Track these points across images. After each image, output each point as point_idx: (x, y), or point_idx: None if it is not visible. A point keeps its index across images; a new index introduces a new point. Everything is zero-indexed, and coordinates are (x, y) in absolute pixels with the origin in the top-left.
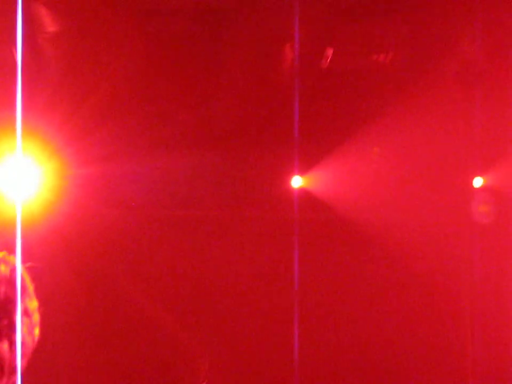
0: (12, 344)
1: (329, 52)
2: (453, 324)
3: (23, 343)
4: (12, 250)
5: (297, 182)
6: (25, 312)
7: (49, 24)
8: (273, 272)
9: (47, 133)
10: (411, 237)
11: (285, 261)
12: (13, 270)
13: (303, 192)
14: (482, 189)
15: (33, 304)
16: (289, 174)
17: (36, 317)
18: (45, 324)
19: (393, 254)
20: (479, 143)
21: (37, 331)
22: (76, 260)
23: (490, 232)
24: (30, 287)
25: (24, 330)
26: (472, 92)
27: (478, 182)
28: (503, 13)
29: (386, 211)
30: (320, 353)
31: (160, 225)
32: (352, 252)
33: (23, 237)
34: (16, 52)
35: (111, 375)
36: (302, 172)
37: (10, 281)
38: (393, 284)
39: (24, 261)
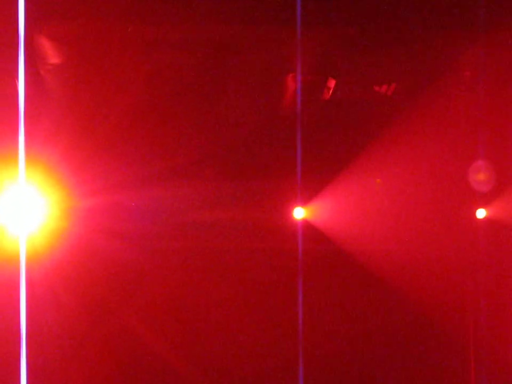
0: None
1: (332, 83)
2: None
3: None
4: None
5: (299, 213)
6: None
7: (52, 56)
8: (276, 304)
9: (50, 163)
10: (414, 268)
11: (288, 292)
12: None
13: (306, 223)
14: (485, 220)
15: None
16: (292, 205)
17: None
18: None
19: (395, 286)
20: (483, 175)
21: None
22: (78, 290)
23: (494, 265)
24: None
25: None
26: (475, 121)
27: (481, 213)
28: (504, 42)
29: (389, 243)
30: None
31: (162, 256)
32: (355, 283)
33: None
34: (18, 83)
35: None
36: (304, 203)
37: None
38: (395, 314)
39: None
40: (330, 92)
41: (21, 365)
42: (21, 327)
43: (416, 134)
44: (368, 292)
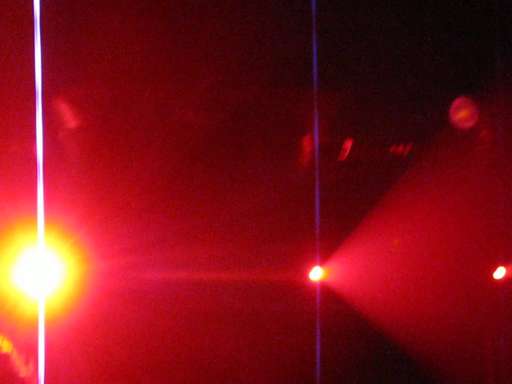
0: None
1: (348, 143)
2: None
3: None
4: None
5: (317, 273)
6: None
7: (70, 120)
8: (294, 367)
9: (68, 227)
10: (431, 330)
11: (305, 355)
12: None
13: (324, 284)
14: (504, 280)
15: None
16: (310, 266)
17: None
18: None
19: (412, 348)
20: (500, 233)
21: None
22: (95, 354)
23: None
24: None
25: None
26: (492, 180)
27: (499, 273)
28: None
29: (406, 304)
30: None
31: (178, 318)
32: (372, 344)
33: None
34: (36, 147)
35: None
36: (322, 263)
37: None
38: (411, 376)
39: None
40: (347, 152)
41: None
42: None
43: (433, 193)
44: (385, 354)
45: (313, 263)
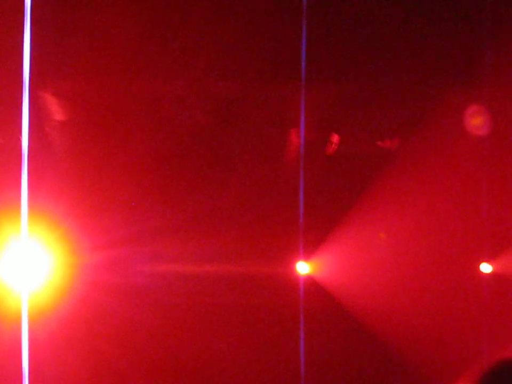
0: None
1: (335, 138)
2: None
3: None
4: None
5: (303, 268)
6: None
7: (57, 112)
8: (278, 360)
9: (53, 219)
10: (416, 324)
11: (289, 348)
12: None
13: (309, 278)
14: (490, 274)
15: None
16: (295, 260)
17: None
18: None
19: (397, 341)
20: (487, 228)
21: None
22: (81, 347)
23: (498, 321)
24: None
25: None
26: (480, 174)
27: (485, 268)
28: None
29: (392, 298)
30: None
31: (164, 311)
32: (357, 339)
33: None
34: (22, 138)
35: None
36: (307, 257)
37: None
38: (396, 370)
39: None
40: (333, 147)
41: None
42: None
43: (420, 188)
44: (370, 348)
45: (298, 257)
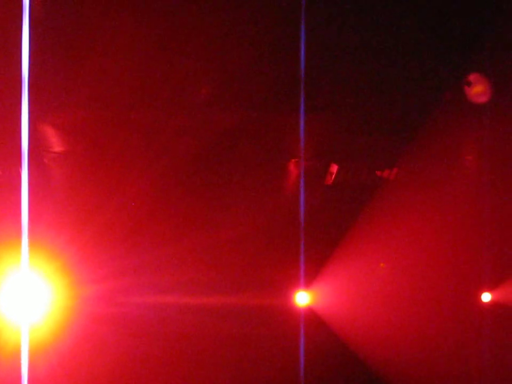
0: None
1: (334, 168)
2: None
3: None
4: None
5: (303, 298)
6: None
7: (56, 144)
8: None
9: (53, 251)
10: (417, 354)
11: (291, 376)
12: None
13: (308, 309)
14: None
15: None
16: (295, 290)
17: None
18: None
19: (398, 372)
20: (487, 258)
21: None
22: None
23: (499, 349)
24: None
25: None
26: (478, 204)
27: (486, 297)
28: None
29: (392, 328)
30: None
31: (164, 342)
32: (359, 369)
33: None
34: (22, 170)
35: None
36: (307, 287)
37: None
38: None
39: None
40: (333, 177)
41: None
42: None
43: (420, 217)
44: (370, 379)
45: (298, 287)
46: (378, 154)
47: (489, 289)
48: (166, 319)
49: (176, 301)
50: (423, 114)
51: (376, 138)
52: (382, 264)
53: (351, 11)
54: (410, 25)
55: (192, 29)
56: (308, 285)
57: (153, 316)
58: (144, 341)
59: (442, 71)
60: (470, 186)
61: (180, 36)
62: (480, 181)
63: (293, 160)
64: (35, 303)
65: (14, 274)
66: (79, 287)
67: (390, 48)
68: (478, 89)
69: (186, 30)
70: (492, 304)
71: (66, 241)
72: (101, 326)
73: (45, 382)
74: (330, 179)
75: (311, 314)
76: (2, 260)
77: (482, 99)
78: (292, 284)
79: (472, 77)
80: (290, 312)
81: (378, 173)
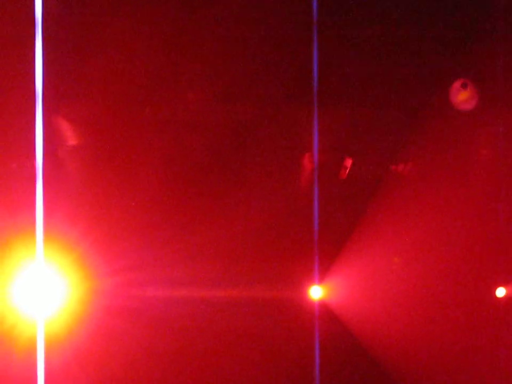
0: None
1: (349, 162)
2: None
3: None
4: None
5: (316, 292)
6: None
7: (70, 137)
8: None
9: (68, 244)
10: (431, 349)
11: (305, 371)
12: None
13: (323, 303)
14: (505, 299)
15: None
16: (309, 284)
17: None
18: None
19: (412, 367)
20: (502, 252)
21: None
22: (97, 376)
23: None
24: None
25: None
26: (494, 199)
27: (501, 292)
28: None
29: (406, 323)
30: None
31: (178, 336)
32: (373, 365)
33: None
34: (36, 164)
35: None
36: (321, 282)
37: None
38: None
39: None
40: (347, 171)
41: None
42: None
43: (434, 212)
44: (384, 374)
45: (312, 282)
46: (392, 148)
47: (504, 283)
48: (180, 313)
49: (189, 294)
50: (437, 108)
51: (391, 131)
52: (396, 259)
53: (366, 4)
54: (425, 19)
55: (204, 24)
56: (321, 279)
57: (168, 310)
58: (159, 335)
59: (455, 66)
60: (485, 180)
61: (194, 30)
62: (495, 175)
63: (307, 154)
64: (50, 297)
65: (29, 268)
66: (94, 280)
67: (405, 41)
68: (465, 95)
69: (198, 24)
70: (507, 298)
71: (81, 235)
72: (116, 319)
73: (60, 375)
74: (345, 173)
75: (325, 308)
76: (17, 253)
77: (468, 106)
78: (305, 278)
79: (466, 81)
80: (304, 306)
81: (392, 167)
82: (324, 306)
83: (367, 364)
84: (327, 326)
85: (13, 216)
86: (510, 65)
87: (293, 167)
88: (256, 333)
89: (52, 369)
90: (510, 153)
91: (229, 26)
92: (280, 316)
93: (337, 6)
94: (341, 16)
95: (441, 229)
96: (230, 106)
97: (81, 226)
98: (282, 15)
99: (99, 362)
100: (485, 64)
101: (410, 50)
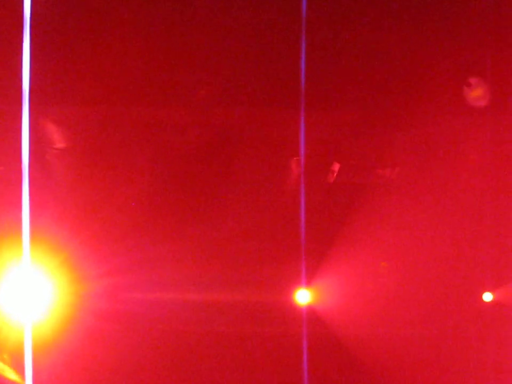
0: None
1: (336, 166)
2: None
3: None
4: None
5: (304, 296)
6: None
7: (57, 140)
8: None
9: (55, 247)
10: (418, 352)
11: (292, 376)
12: None
13: (310, 307)
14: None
15: None
16: (296, 288)
17: None
18: None
19: (399, 370)
20: (489, 257)
21: None
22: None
23: (499, 349)
24: None
25: None
26: (481, 203)
27: (487, 297)
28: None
29: (393, 327)
30: None
31: (165, 339)
32: (359, 369)
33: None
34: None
35: None
36: (308, 285)
37: None
38: None
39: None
40: (335, 175)
41: None
42: None
43: (422, 216)
44: (372, 378)
45: (299, 285)
46: (380, 152)
47: (491, 289)
48: (168, 315)
49: (177, 297)
50: (426, 113)
51: (378, 136)
52: (383, 263)
53: (353, 8)
54: (413, 22)
55: (192, 28)
56: (308, 283)
57: (156, 312)
58: (147, 338)
59: (446, 69)
60: (472, 185)
61: (181, 34)
62: (483, 180)
63: (294, 158)
64: (37, 300)
65: (16, 271)
66: (81, 283)
67: (394, 45)
68: (477, 93)
69: (187, 28)
70: (493, 304)
71: (68, 238)
72: (104, 323)
73: (48, 379)
74: (332, 177)
75: (311, 312)
76: (3, 256)
77: (481, 103)
78: (292, 282)
79: (472, 79)
80: (291, 310)
81: (379, 171)
82: (311, 310)
83: (355, 368)
84: (314, 328)
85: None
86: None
87: (280, 171)
88: (242, 336)
89: (39, 371)
90: (498, 161)
91: (217, 31)
92: (267, 319)
93: (326, 9)
94: (330, 19)
95: (429, 234)
96: (217, 109)
97: (68, 229)
98: (270, 21)
99: (87, 364)
100: (469, 71)
101: (399, 55)
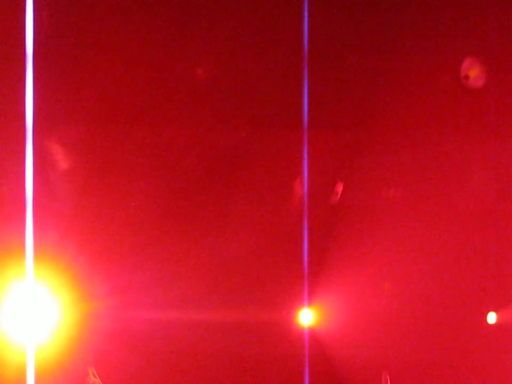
0: None
1: (339, 187)
2: None
3: None
4: None
5: (306, 316)
6: None
7: (61, 161)
8: None
9: (59, 267)
10: (422, 374)
11: None
12: None
13: (312, 327)
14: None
15: None
16: (299, 309)
17: None
18: None
19: None
20: (493, 278)
21: None
22: None
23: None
24: None
25: None
26: (482, 222)
27: (491, 318)
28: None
29: (397, 348)
30: None
31: (168, 359)
32: None
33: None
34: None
35: None
36: (310, 306)
37: None
38: None
39: None
40: (338, 196)
41: None
42: None
43: (425, 236)
44: None
45: (302, 306)
46: (383, 173)
47: (495, 310)
48: (170, 334)
49: (179, 316)
50: (430, 134)
51: (381, 157)
52: (386, 284)
53: (356, 29)
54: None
55: (196, 49)
56: (311, 303)
57: (159, 332)
58: (151, 357)
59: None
60: (476, 206)
61: (185, 55)
62: (487, 201)
63: (296, 178)
64: (40, 320)
65: (19, 290)
66: (85, 302)
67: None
68: (473, 74)
69: (190, 49)
70: (498, 325)
71: (72, 257)
72: (107, 342)
73: None
74: (336, 198)
75: (314, 333)
76: (7, 275)
77: (479, 83)
78: (295, 302)
79: (468, 69)
80: (293, 330)
81: (383, 192)
82: (313, 330)
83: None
84: (316, 349)
85: (3, 239)
86: None
87: (283, 192)
88: (245, 355)
89: None
90: (501, 181)
91: (220, 50)
92: (269, 338)
93: (328, 33)
94: (332, 44)
95: (432, 255)
96: (221, 130)
97: (72, 249)
98: (273, 42)
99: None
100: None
101: (402, 76)
